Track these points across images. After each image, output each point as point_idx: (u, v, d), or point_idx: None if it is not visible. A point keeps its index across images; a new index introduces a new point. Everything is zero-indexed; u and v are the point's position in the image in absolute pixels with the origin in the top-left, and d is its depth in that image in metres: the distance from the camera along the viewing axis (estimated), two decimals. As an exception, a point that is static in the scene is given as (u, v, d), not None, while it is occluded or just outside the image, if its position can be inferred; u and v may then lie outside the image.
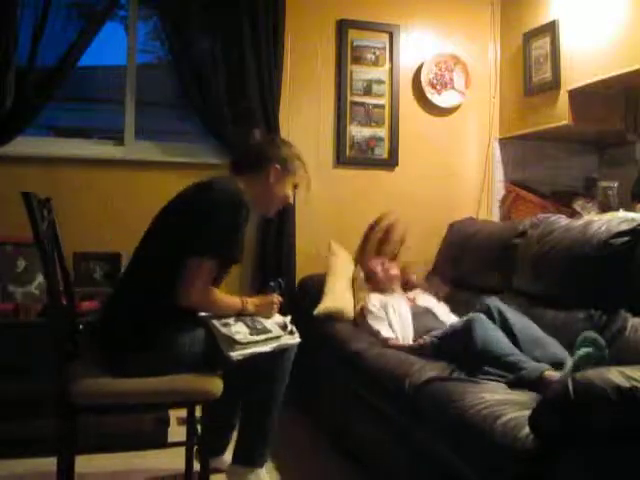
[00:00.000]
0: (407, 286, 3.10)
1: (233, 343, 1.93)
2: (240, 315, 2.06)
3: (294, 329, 2.16)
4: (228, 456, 2.26)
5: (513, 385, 1.90)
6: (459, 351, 2.14)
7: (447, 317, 2.80)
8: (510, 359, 2.00)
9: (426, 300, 2.96)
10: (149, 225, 2.09)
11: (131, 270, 2.07)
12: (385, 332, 2.64)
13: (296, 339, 2.13)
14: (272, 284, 2.26)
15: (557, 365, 1.96)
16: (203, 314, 2.06)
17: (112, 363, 1.91)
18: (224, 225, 1.94)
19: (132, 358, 1.89)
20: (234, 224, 1.95)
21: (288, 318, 2.20)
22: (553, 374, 1.87)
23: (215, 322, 2.00)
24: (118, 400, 1.88)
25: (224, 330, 1.97)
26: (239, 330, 1.98)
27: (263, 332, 2.03)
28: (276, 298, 2.19)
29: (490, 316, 2.23)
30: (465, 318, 2.24)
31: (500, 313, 2.25)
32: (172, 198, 2.12)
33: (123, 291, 2.05)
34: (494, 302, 2.32)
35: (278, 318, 2.18)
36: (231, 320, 2.02)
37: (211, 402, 1.90)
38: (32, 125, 3.10)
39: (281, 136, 2.22)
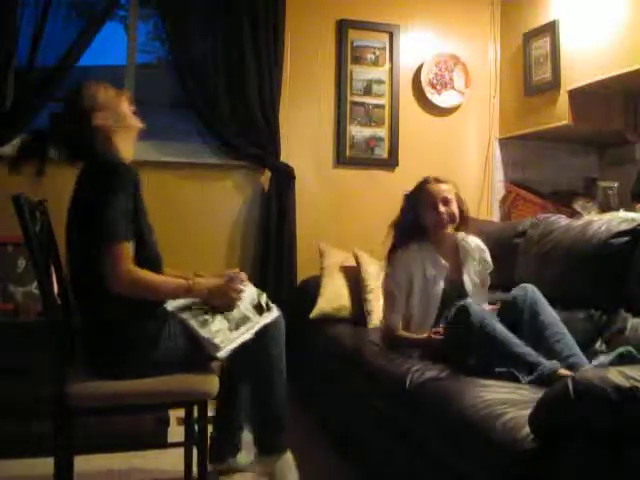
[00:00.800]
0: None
1: (215, 346, 1.89)
2: (191, 296, 1.95)
3: (270, 303, 2.08)
4: (242, 456, 2.26)
5: (532, 383, 1.86)
6: (463, 341, 2.06)
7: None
8: (516, 350, 1.95)
9: (469, 264, 2.47)
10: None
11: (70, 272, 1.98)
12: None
13: (274, 313, 2.07)
14: (228, 272, 2.11)
15: (571, 367, 1.91)
16: (171, 309, 1.97)
17: (100, 367, 1.89)
18: (116, 201, 1.79)
19: (112, 361, 1.86)
20: (124, 195, 1.82)
21: (263, 296, 2.10)
22: (568, 372, 1.84)
23: (192, 322, 1.93)
24: (113, 402, 1.87)
25: (203, 332, 1.91)
26: (218, 328, 1.92)
27: (242, 323, 1.97)
28: (234, 286, 2.02)
29: (515, 307, 2.15)
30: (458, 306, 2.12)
31: (530, 303, 2.13)
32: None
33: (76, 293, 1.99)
34: (525, 291, 2.17)
35: (250, 297, 2.07)
36: (207, 316, 1.94)
37: (217, 406, 1.88)
38: (32, 125, 3.09)
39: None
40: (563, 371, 1.87)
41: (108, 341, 1.87)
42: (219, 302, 1.98)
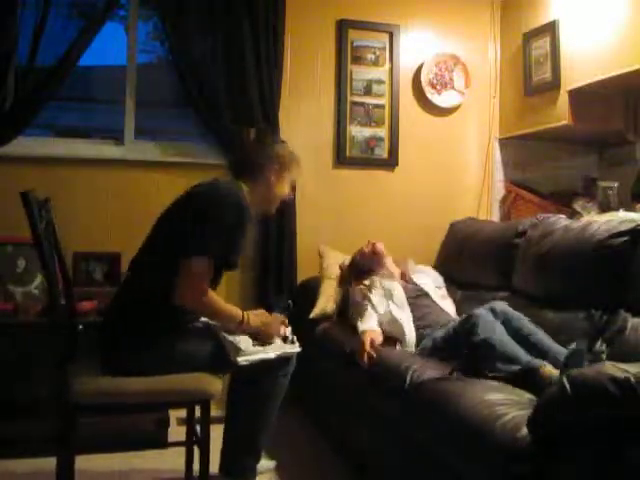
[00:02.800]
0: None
1: (238, 350, 1.95)
2: (240, 329, 2.04)
3: (294, 339, 2.18)
4: (264, 462, 2.29)
5: (512, 381, 1.89)
6: (460, 350, 2.13)
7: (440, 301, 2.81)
8: (509, 353, 1.99)
9: (419, 278, 2.93)
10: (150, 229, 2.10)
11: (132, 272, 2.09)
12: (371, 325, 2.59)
13: (296, 348, 2.14)
14: (281, 305, 2.28)
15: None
16: (205, 320, 2.08)
17: (111, 363, 1.92)
18: (225, 226, 1.93)
19: (129, 358, 1.90)
20: (235, 226, 1.95)
21: (289, 329, 2.21)
22: (553, 370, 1.86)
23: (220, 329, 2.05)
24: (117, 400, 1.89)
25: (229, 337, 2.00)
26: (242, 339, 2.00)
27: (267, 344, 2.06)
28: (284, 319, 2.20)
29: (495, 317, 2.20)
30: (467, 314, 2.23)
31: (505, 315, 2.23)
32: (174, 200, 2.11)
33: (124, 293, 2.06)
34: (501, 305, 2.28)
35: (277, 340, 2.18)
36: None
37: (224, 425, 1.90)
38: (32, 125, 3.09)
39: (271, 134, 2.23)
40: (548, 368, 1.88)
41: (134, 340, 1.91)
42: (267, 330, 2.10)
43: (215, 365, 1.99)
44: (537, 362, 1.93)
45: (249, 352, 1.97)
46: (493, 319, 2.15)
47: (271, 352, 2.03)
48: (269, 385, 2.11)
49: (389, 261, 2.95)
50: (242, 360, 1.94)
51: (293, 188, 2.30)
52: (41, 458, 2.27)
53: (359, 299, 2.74)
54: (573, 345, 1.95)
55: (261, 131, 2.24)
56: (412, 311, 2.64)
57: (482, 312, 2.16)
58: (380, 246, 2.96)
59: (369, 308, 2.64)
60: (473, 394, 1.78)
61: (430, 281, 2.97)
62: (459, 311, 2.86)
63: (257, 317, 2.09)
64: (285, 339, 2.15)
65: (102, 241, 3.17)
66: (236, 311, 2.05)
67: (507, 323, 2.18)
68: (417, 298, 2.74)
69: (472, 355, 2.05)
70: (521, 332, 2.16)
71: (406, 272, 2.98)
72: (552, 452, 1.38)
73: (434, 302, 2.77)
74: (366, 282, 2.80)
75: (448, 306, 2.85)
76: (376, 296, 2.70)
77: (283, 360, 2.10)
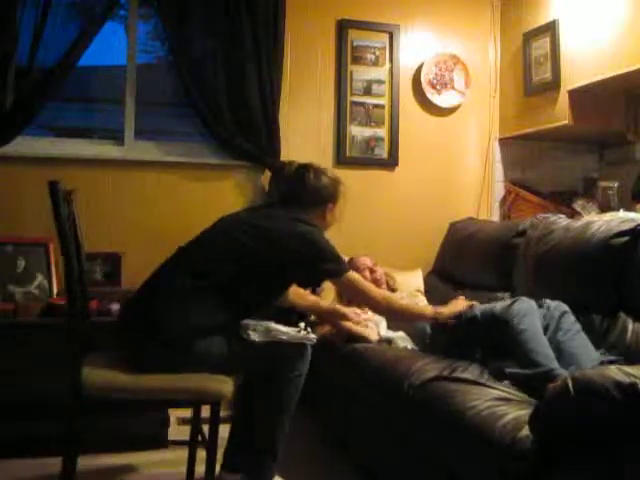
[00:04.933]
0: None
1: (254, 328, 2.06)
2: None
3: (309, 329, 2.27)
4: None
5: (526, 384, 1.87)
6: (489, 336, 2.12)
7: None
8: (537, 356, 1.94)
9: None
10: (209, 234, 2.20)
11: (186, 273, 2.08)
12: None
13: (312, 336, 2.20)
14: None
15: None
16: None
17: (130, 358, 1.96)
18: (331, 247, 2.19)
19: (151, 354, 1.94)
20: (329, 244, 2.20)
21: (302, 325, 2.32)
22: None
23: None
24: (129, 395, 1.90)
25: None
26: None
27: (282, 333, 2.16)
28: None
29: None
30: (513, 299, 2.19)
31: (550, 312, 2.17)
32: (243, 219, 2.24)
33: (171, 290, 2.06)
34: (560, 305, 2.22)
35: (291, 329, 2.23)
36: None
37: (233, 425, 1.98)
38: (32, 125, 3.09)
39: (324, 172, 2.39)
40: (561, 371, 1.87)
41: (160, 337, 1.95)
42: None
43: (229, 365, 2.00)
44: (561, 371, 1.87)
45: (262, 327, 2.08)
46: (537, 313, 2.11)
47: (285, 336, 2.11)
48: (284, 384, 2.10)
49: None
50: (254, 335, 2.04)
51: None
52: (41, 459, 2.27)
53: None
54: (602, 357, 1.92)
55: (317, 170, 2.37)
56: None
57: (531, 303, 2.13)
58: (380, 276, 3.01)
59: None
60: (473, 394, 1.78)
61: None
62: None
63: None
64: (299, 329, 2.23)
65: (102, 241, 3.16)
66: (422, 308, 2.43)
67: (550, 320, 2.13)
68: None
69: (502, 343, 2.02)
70: (557, 335, 2.10)
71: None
72: (552, 452, 1.38)
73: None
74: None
75: None
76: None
77: (298, 357, 2.11)
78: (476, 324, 2.23)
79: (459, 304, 2.34)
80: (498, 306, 2.21)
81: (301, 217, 2.22)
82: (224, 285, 2.03)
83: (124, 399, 1.92)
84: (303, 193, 2.32)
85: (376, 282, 2.90)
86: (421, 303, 2.94)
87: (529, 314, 2.08)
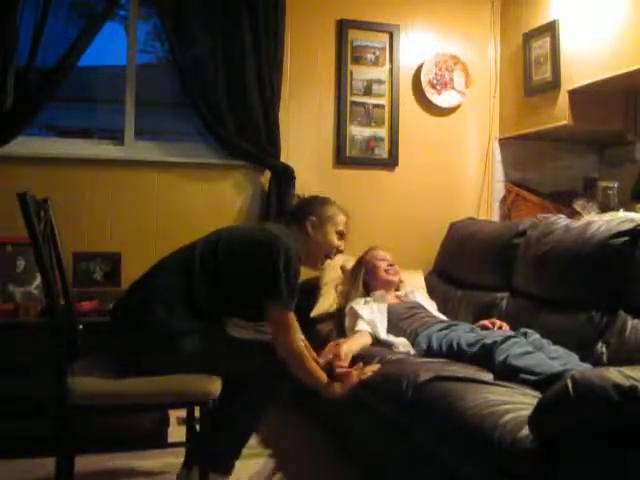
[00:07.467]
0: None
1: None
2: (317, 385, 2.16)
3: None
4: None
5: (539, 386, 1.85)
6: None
7: (437, 314, 2.79)
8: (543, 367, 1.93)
9: (416, 297, 2.93)
10: (192, 247, 2.13)
11: (155, 275, 2.09)
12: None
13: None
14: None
15: None
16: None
17: (117, 360, 1.94)
18: (293, 276, 2.05)
19: (137, 356, 1.93)
20: (296, 274, 2.08)
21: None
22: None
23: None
24: (116, 401, 1.89)
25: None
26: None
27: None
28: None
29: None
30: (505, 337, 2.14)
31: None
32: (229, 234, 2.18)
33: (146, 293, 2.06)
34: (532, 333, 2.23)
35: None
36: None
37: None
38: (32, 125, 3.10)
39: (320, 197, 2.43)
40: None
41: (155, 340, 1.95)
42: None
43: (215, 365, 1.99)
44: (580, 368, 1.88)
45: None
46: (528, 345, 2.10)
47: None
48: (260, 391, 2.07)
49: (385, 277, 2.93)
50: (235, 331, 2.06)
51: (341, 234, 2.35)
52: (41, 458, 2.27)
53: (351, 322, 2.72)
54: None
55: (314, 194, 2.48)
56: (407, 319, 2.64)
57: (518, 339, 2.12)
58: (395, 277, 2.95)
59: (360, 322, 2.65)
60: (473, 394, 1.77)
61: (424, 299, 2.96)
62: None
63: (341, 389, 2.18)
64: None
65: (102, 241, 3.17)
66: (321, 373, 2.19)
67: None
68: (412, 309, 2.74)
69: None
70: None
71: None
72: (552, 452, 1.38)
73: (428, 311, 2.77)
74: (360, 301, 2.79)
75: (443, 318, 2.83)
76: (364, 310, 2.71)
77: (281, 373, 2.08)
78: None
79: (353, 375, 2.22)
80: (482, 341, 2.19)
81: (271, 228, 2.20)
82: (207, 287, 2.02)
83: (109, 404, 1.91)
84: (290, 210, 2.39)
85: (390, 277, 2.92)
86: (425, 302, 2.91)
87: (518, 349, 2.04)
